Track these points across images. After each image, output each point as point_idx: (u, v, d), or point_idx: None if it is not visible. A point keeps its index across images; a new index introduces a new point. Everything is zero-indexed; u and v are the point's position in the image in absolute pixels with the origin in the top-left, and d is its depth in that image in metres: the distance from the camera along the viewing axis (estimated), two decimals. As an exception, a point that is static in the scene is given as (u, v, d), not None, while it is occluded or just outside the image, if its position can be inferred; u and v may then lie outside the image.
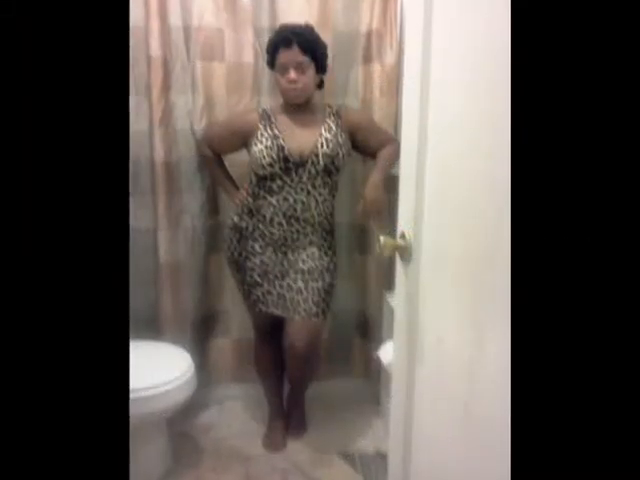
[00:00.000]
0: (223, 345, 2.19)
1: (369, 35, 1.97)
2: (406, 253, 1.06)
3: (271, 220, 1.78)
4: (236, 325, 2.16)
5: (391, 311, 1.99)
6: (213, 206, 2.07)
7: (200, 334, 2.12)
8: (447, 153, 0.90)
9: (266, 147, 1.71)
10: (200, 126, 1.96)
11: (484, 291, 0.79)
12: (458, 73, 0.86)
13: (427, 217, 0.99)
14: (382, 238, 1.07)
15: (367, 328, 2.21)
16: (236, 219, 1.85)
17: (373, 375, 2.22)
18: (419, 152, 0.99)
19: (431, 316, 1.01)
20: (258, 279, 1.83)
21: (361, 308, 2.20)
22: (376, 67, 1.99)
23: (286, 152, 1.71)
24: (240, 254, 1.85)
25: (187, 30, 1.89)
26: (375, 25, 1.96)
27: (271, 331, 1.95)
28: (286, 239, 1.80)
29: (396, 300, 1.17)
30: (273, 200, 1.77)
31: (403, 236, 1.07)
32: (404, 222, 1.08)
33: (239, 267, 1.87)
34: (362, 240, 2.12)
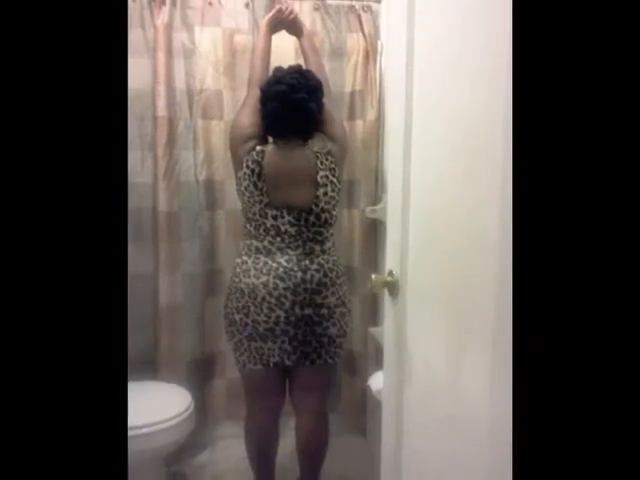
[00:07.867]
0: (219, 385, 2.27)
1: (353, 95, 2.19)
2: (394, 289, 1.18)
3: None
4: (231, 365, 2.22)
5: (375, 345, 2.13)
6: (210, 253, 2.19)
7: (197, 375, 2.19)
8: (432, 204, 1.02)
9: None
10: (201, 178, 2.12)
11: (465, 322, 0.92)
12: (441, 132, 0.97)
13: (412, 258, 1.12)
14: (373, 276, 1.21)
15: (354, 364, 2.30)
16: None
17: (360, 410, 2.29)
18: (404, 204, 1.13)
19: (418, 345, 1.11)
20: None
21: (347, 345, 2.29)
22: (359, 123, 2.19)
23: None
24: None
25: (190, 92, 2.08)
26: (358, 86, 2.17)
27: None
28: None
29: (385, 332, 1.28)
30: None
31: (391, 274, 1.20)
32: (391, 261, 1.21)
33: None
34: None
